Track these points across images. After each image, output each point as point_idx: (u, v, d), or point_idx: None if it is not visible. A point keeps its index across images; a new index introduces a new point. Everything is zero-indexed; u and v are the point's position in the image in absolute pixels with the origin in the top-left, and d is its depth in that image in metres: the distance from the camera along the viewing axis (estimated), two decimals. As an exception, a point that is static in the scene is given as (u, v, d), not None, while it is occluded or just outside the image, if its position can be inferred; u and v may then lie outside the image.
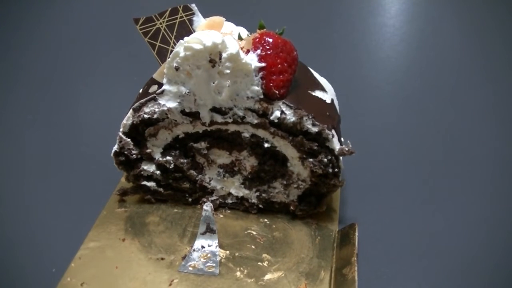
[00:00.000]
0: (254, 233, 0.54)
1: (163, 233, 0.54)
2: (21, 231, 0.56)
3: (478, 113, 0.75)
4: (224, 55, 0.49)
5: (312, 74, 0.59)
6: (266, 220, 0.56)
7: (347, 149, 0.52)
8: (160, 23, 0.53)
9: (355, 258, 0.49)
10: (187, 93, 0.51)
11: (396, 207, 0.59)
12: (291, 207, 0.56)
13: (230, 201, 0.58)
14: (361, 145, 0.54)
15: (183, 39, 0.51)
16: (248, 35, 0.54)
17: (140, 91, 0.60)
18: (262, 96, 0.51)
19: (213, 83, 0.50)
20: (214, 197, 0.58)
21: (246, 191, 0.57)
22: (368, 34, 1.03)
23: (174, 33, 0.53)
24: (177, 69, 0.50)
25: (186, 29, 0.53)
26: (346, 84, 0.83)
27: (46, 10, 1.17)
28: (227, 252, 0.52)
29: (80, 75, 0.89)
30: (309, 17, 1.13)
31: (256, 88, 0.50)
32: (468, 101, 0.78)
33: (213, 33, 0.50)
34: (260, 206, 0.57)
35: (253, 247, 0.53)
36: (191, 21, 0.53)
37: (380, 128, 0.73)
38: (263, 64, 0.50)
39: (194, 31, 0.53)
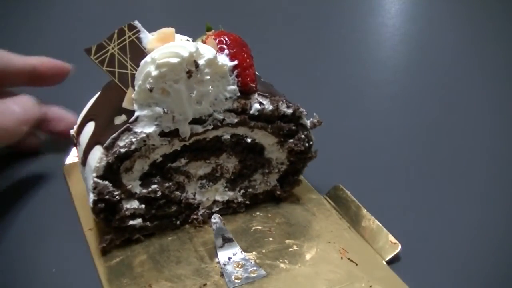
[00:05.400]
0: (260, 227, 0.55)
1: (180, 264, 0.50)
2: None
3: (478, 113, 0.77)
4: (201, 61, 0.47)
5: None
6: (258, 213, 0.57)
7: (316, 121, 0.56)
8: (112, 48, 0.48)
9: (366, 210, 0.55)
10: (165, 112, 0.48)
11: (394, 205, 0.59)
12: (277, 192, 0.58)
13: (217, 209, 0.56)
14: (360, 144, 0.56)
15: (138, 60, 0.48)
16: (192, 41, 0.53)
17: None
18: (239, 94, 0.51)
19: (192, 94, 0.48)
20: (201, 211, 0.55)
21: (231, 193, 0.56)
22: (368, 34, 1.02)
23: (128, 55, 0.49)
24: (151, 90, 0.47)
25: (137, 49, 0.49)
26: (346, 84, 0.83)
27: (44, 12, 1.03)
28: (254, 252, 0.51)
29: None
30: (309, 17, 1.09)
31: (233, 87, 0.50)
32: (468, 101, 0.80)
33: (183, 43, 0.48)
34: (247, 202, 0.57)
35: (271, 239, 0.53)
36: (139, 39, 0.50)
37: (380, 128, 0.73)
38: (236, 62, 0.50)
39: (145, 49, 0.50)
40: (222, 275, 0.49)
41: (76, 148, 0.55)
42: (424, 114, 0.77)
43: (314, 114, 0.56)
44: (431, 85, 0.85)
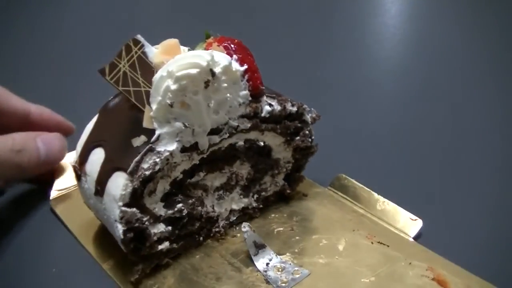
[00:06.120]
0: (281, 229, 0.54)
1: (221, 279, 0.48)
2: None
3: (478, 112, 0.77)
4: (218, 69, 0.46)
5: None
6: (273, 215, 0.57)
7: (315, 115, 0.57)
8: (123, 65, 0.45)
9: (377, 194, 0.56)
10: (186, 126, 0.46)
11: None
12: (287, 191, 0.58)
13: (234, 218, 0.55)
14: (360, 143, 0.56)
15: (149, 76, 0.46)
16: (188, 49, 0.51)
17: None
18: (250, 99, 0.50)
19: (210, 104, 0.47)
20: (221, 223, 0.54)
21: (245, 200, 0.56)
22: (368, 34, 1.00)
23: (139, 72, 0.45)
24: (171, 105, 0.45)
25: (145, 64, 0.46)
26: (346, 83, 0.82)
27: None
28: (288, 254, 0.51)
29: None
30: (308, 17, 1.05)
31: (244, 92, 0.50)
32: (468, 100, 0.80)
33: (197, 52, 0.46)
34: (260, 206, 0.57)
35: (297, 238, 0.53)
36: (145, 54, 0.47)
37: (380, 127, 0.73)
38: (246, 66, 0.49)
39: (152, 63, 0.47)
40: (267, 282, 0.48)
41: (79, 179, 0.51)
42: (423, 112, 0.77)
43: (312, 109, 0.57)
44: (431, 84, 0.86)
